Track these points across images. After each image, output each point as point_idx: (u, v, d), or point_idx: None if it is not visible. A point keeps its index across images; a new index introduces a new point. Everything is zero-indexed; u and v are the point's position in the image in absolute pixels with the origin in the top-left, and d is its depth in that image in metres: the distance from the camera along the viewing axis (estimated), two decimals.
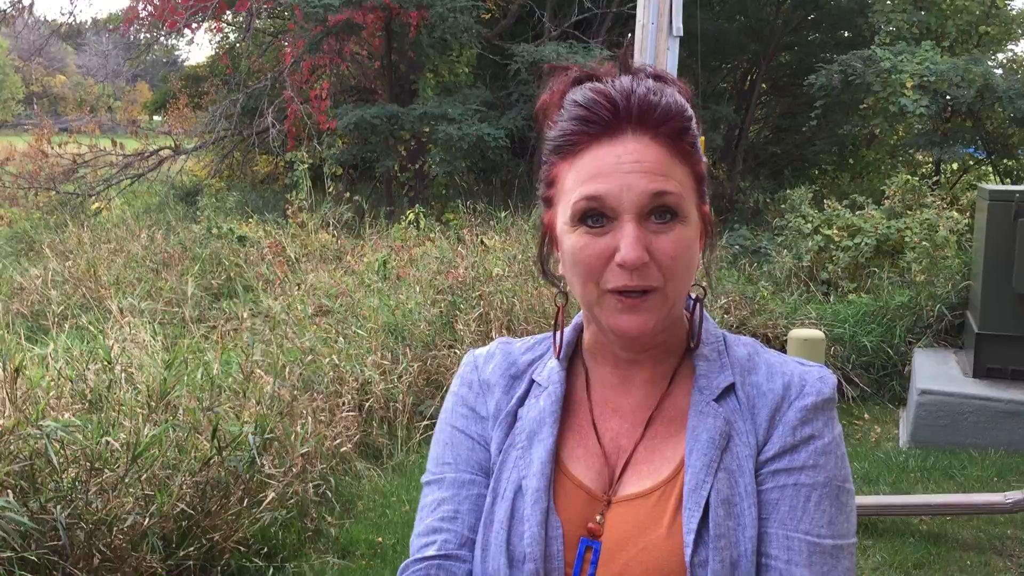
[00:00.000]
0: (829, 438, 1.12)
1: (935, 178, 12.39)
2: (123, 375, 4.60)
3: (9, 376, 3.99)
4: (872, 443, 6.25)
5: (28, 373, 4.32)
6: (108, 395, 4.34)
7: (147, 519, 3.72)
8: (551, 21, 13.96)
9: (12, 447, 3.64)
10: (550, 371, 1.23)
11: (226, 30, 17.59)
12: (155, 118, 22.24)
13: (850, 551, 1.10)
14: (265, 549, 4.24)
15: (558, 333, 1.24)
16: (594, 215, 1.08)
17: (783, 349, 5.48)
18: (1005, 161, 13.81)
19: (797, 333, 5.26)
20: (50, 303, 7.70)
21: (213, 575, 4.01)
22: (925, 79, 10.86)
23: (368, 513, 4.95)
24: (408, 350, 6.31)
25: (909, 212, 9.21)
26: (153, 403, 4.26)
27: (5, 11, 16.09)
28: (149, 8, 14.29)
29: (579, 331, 1.25)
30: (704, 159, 1.15)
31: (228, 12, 14.87)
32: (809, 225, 9.30)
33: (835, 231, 9.04)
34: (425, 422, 5.91)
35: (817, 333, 5.36)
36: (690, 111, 1.12)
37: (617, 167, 1.07)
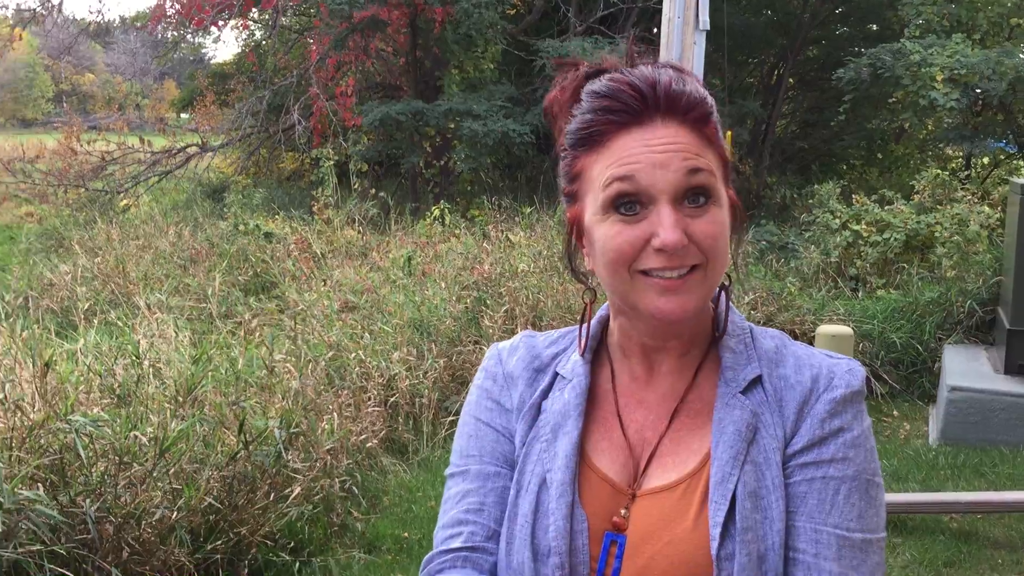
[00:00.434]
0: (858, 431, 1.10)
1: (966, 173, 12.21)
2: (151, 370, 4.64)
3: (39, 371, 4.04)
4: (901, 440, 6.18)
5: (58, 368, 4.37)
6: (136, 390, 4.38)
7: (175, 513, 3.75)
8: (576, 16, 13.92)
9: (42, 441, 3.68)
10: (574, 364, 1.22)
11: (252, 27, 17.71)
12: (182, 115, 22.44)
13: (879, 545, 1.08)
14: (292, 544, 4.25)
15: (584, 327, 1.23)
16: (627, 202, 1.06)
17: (811, 345, 5.44)
18: None
19: (825, 329, 5.21)
20: (79, 299, 7.77)
21: (240, 569, 4.03)
22: (955, 72, 10.71)
23: (394, 508, 4.96)
24: (433, 346, 6.32)
25: (939, 207, 9.10)
26: (180, 398, 4.29)
27: (35, 10, 16.28)
28: (176, 6, 14.39)
29: (603, 324, 1.24)
30: (726, 146, 1.14)
31: (254, 9, 14.95)
32: (837, 220, 9.21)
33: (864, 226, 8.95)
34: (451, 418, 5.91)
35: (845, 329, 5.31)
36: (711, 98, 1.11)
37: (649, 150, 1.06)
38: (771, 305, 7.66)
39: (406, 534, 4.64)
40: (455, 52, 13.29)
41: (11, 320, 5.31)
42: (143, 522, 3.67)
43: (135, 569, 3.63)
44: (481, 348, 6.47)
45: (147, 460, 3.82)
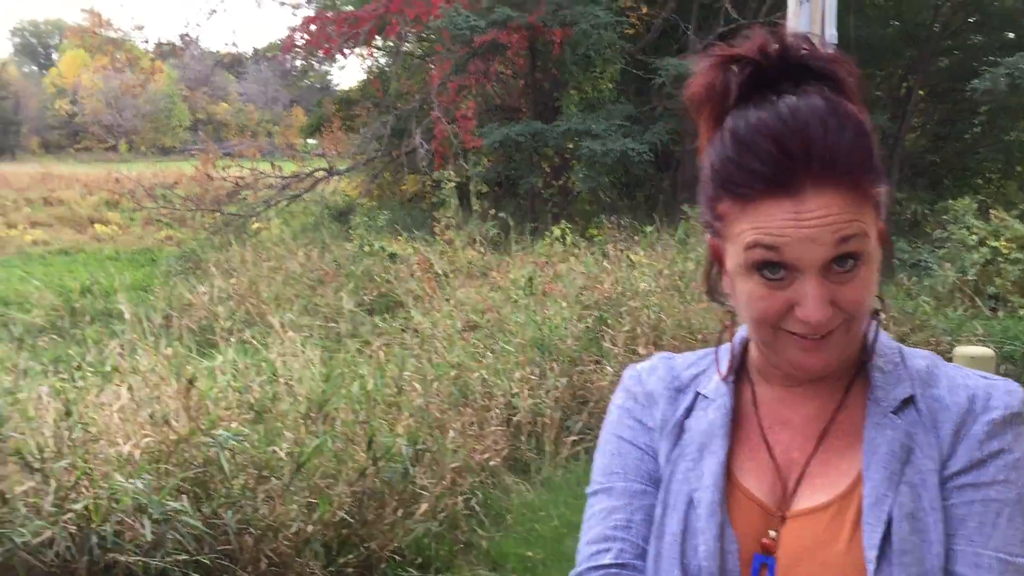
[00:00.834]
0: (1020, 452, 1.06)
1: None
2: (285, 387, 4.81)
3: (183, 387, 4.24)
4: None
5: (199, 385, 4.58)
6: (273, 406, 4.54)
7: (310, 526, 3.87)
8: (696, 34, 13.81)
9: (187, 455, 3.86)
10: (717, 384, 1.21)
11: (376, 55, 18.23)
12: (310, 141, 23.22)
13: None
14: (419, 559, 4.32)
15: (726, 348, 1.22)
16: (771, 266, 1.02)
17: None
18: None
19: (963, 350, 4.99)
20: (217, 318, 8.12)
21: None
22: None
23: (517, 527, 4.98)
24: (555, 365, 6.33)
25: None
26: (312, 414, 4.43)
27: (174, 44, 17.20)
28: (305, 36, 14.96)
29: (744, 346, 1.23)
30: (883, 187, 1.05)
31: (378, 37, 15.39)
32: (974, 237, 8.83)
33: (1003, 243, 8.56)
34: (573, 437, 5.91)
35: (986, 350, 5.08)
36: (870, 135, 1.03)
37: (797, 224, 0.99)
38: (904, 325, 7.39)
39: (530, 553, 4.66)
40: (574, 73, 13.37)
41: (155, 339, 5.59)
42: (280, 534, 3.80)
43: None
44: (602, 367, 6.45)
45: (284, 474, 3.96)
